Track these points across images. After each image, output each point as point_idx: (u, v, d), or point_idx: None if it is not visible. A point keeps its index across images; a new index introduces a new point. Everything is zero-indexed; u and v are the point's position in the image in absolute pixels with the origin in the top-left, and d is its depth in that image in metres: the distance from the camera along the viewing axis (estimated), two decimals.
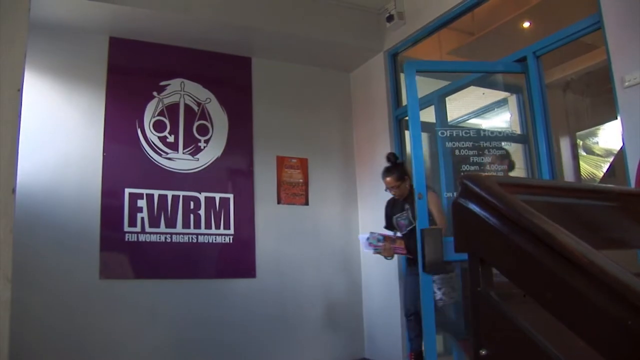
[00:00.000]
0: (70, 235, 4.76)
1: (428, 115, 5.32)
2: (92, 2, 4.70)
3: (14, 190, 1.28)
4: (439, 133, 4.84)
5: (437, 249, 3.97)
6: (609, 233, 1.89)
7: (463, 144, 4.69)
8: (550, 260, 1.29)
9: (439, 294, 4.34)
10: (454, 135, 4.70)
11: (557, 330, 1.33)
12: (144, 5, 4.87)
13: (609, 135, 6.05)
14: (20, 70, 1.28)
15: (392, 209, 4.87)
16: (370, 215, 5.86)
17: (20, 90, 1.27)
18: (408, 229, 4.63)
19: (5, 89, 1.25)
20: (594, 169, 6.40)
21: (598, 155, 6.47)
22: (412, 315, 4.63)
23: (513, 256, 1.39)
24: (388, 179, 4.63)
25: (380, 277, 5.73)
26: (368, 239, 4.63)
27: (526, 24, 5.58)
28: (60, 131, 4.91)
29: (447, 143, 4.77)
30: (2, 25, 1.26)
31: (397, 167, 4.67)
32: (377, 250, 4.65)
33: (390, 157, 4.73)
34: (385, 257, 4.75)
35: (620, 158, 3.52)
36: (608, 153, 6.22)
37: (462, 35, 6.00)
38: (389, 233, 4.82)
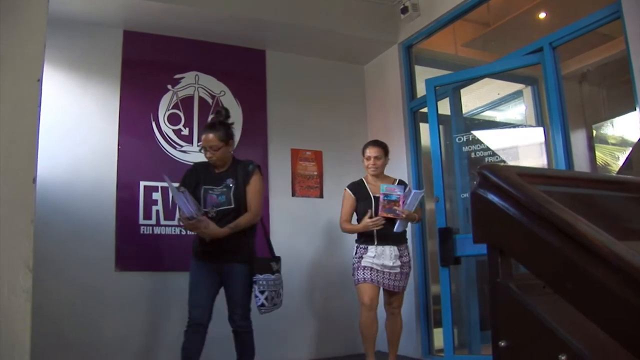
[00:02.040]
0: (86, 227, 4.78)
1: (443, 107, 5.31)
2: None
3: (34, 180, 1.29)
4: (456, 140, 5.07)
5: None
6: (628, 224, 1.87)
7: (479, 146, 4.83)
8: (570, 251, 1.28)
9: (261, 298, 3.81)
10: (471, 139, 4.87)
11: (576, 321, 1.32)
12: None
13: (627, 126, 5.99)
14: (40, 61, 1.28)
15: (201, 177, 3.96)
16: None
17: (40, 81, 1.28)
18: (219, 209, 3.85)
19: (25, 79, 1.25)
20: (611, 159, 6.35)
21: (615, 145, 6.41)
22: (198, 326, 3.79)
23: (533, 247, 1.38)
24: (210, 135, 3.85)
25: None
26: (183, 193, 3.68)
27: (542, 15, 5.53)
28: (76, 125, 4.94)
29: (463, 148, 4.88)
30: (22, 15, 1.27)
31: (224, 126, 3.94)
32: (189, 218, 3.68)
33: (221, 112, 4.01)
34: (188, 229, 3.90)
35: (638, 149, 3.49)
36: (625, 143, 6.16)
37: (477, 27, 5.95)
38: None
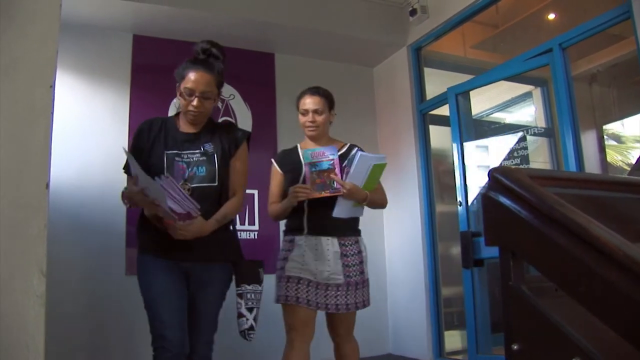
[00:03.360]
0: (96, 231, 4.80)
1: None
2: (117, 0, 4.74)
3: (47, 186, 1.30)
4: (475, 145, 5.15)
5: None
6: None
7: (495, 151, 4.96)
8: (583, 253, 1.27)
9: (249, 319, 2.83)
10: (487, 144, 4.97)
11: (589, 324, 1.31)
12: (167, 2, 4.89)
13: (638, 126, 5.96)
14: (52, 67, 1.30)
15: (159, 137, 2.82)
16: (394, 211, 5.83)
17: (52, 87, 1.29)
18: (196, 186, 2.73)
19: (38, 86, 1.26)
20: (622, 159, 6.32)
21: (626, 145, 6.38)
22: (179, 357, 2.71)
23: (545, 249, 1.38)
24: (206, 76, 2.77)
25: (404, 273, 5.71)
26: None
27: (551, 16, 5.51)
28: (86, 129, 4.96)
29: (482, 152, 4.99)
30: (34, 21, 1.28)
31: (220, 66, 2.90)
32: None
33: (215, 47, 2.95)
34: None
35: None
36: (637, 143, 6.13)
37: (486, 28, 5.94)
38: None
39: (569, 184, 1.67)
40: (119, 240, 4.89)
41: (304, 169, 3.10)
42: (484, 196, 1.53)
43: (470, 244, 4.68)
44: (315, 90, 3.42)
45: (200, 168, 2.76)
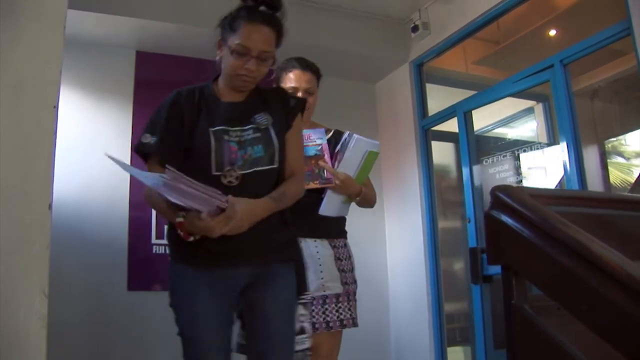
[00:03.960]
0: (99, 247, 4.80)
1: (452, 124, 5.34)
2: (120, 17, 4.78)
3: (50, 206, 1.30)
4: (484, 162, 5.23)
5: None
6: None
7: (502, 167, 4.96)
8: (585, 272, 1.27)
9: (310, 337, 2.34)
10: (495, 161, 4.95)
11: (592, 343, 1.31)
12: (170, 19, 4.93)
13: None
14: (56, 87, 1.30)
15: (200, 111, 2.19)
16: (397, 227, 5.84)
17: (56, 108, 1.30)
18: (251, 171, 2.08)
19: (42, 106, 1.27)
20: (625, 174, 6.31)
21: (628, 161, 6.38)
22: None
23: (547, 268, 1.38)
24: (266, 30, 2.18)
25: (407, 288, 5.69)
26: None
27: (552, 32, 5.54)
28: (89, 144, 4.96)
29: (490, 170, 5.00)
30: (38, 42, 1.29)
31: (281, 17, 2.29)
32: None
33: None
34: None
35: None
36: (639, 158, 6.14)
37: (487, 45, 5.96)
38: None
39: (571, 202, 1.67)
40: (121, 255, 4.89)
41: None
42: (487, 215, 1.54)
43: (478, 260, 4.70)
44: (305, 65, 2.86)
45: (256, 148, 2.08)
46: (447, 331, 5.37)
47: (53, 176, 1.35)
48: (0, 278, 1.20)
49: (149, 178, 1.85)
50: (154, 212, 5.03)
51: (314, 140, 2.63)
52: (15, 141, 1.23)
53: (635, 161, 6.12)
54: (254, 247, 2.06)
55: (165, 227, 2.45)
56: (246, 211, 1.93)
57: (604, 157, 5.95)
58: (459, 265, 5.73)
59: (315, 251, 2.58)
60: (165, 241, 4.98)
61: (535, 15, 5.35)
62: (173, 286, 2.14)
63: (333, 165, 2.61)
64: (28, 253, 1.22)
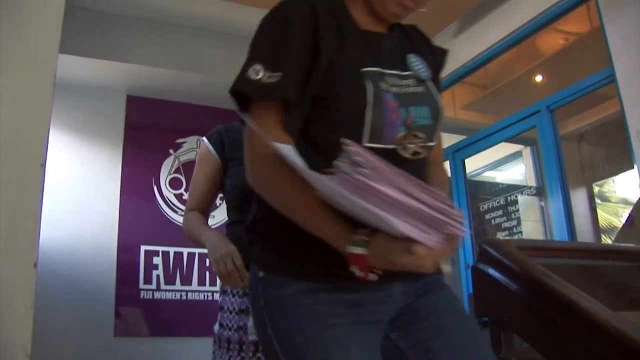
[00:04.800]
0: (86, 291, 4.75)
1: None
2: (111, 62, 4.83)
3: (35, 265, 1.29)
4: (480, 208, 5.32)
5: None
6: (631, 293, 1.86)
7: (497, 213, 5.00)
8: (573, 327, 1.27)
9: None
10: (491, 206, 4.98)
11: None
12: (160, 64, 4.97)
13: (628, 184, 6.02)
14: (44, 145, 1.30)
15: (341, 37, 1.25)
16: None
17: (43, 165, 1.29)
18: (420, 148, 1.21)
19: (30, 164, 1.27)
20: (614, 217, 6.34)
21: (617, 203, 6.42)
22: None
23: (534, 322, 1.37)
24: None
25: None
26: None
27: (539, 78, 5.62)
28: (78, 187, 4.96)
29: (486, 215, 5.05)
30: (28, 99, 1.29)
31: None
32: None
33: None
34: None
35: (639, 207, 3.51)
36: (627, 201, 6.17)
37: (475, 89, 6.04)
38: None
39: (559, 254, 1.68)
40: (109, 300, 4.83)
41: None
42: (474, 268, 1.53)
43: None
44: None
45: (420, 110, 1.27)
46: None
47: (39, 234, 1.34)
48: None
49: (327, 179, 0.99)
50: (142, 257, 5.00)
51: None
52: (1, 200, 1.22)
53: (622, 204, 6.16)
54: None
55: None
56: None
57: (592, 199, 5.98)
58: None
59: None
60: (153, 286, 5.00)
61: (522, 61, 5.44)
62: (288, 322, 1.21)
63: None
64: (12, 314, 1.20)
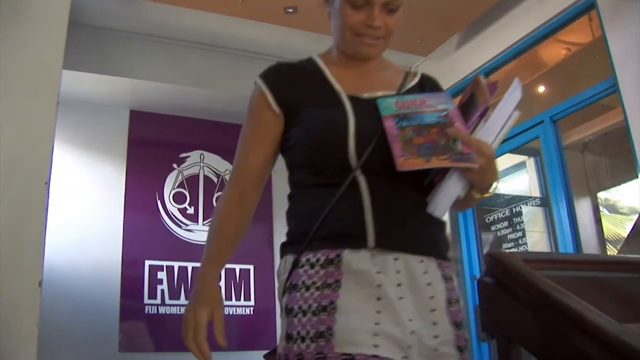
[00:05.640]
0: (90, 307, 4.73)
1: None
2: (114, 78, 4.86)
3: (40, 283, 1.29)
4: (486, 219, 5.29)
5: None
6: (638, 305, 1.85)
7: (502, 224, 4.97)
8: (581, 340, 1.26)
9: None
10: (497, 218, 4.94)
11: None
12: (164, 79, 4.99)
13: (633, 193, 6.01)
14: (47, 164, 1.31)
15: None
16: None
17: (47, 184, 1.30)
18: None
19: (34, 183, 1.27)
20: (619, 228, 6.32)
21: (622, 213, 6.39)
22: None
23: (542, 336, 1.36)
24: None
25: None
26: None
27: (541, 89, 5.62)
28: (82, 203, 4.96)
29: (491, 227, 5.03)
30: (31, 121, 1.30)
31: None
32: None
33: None
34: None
35: None
36: (632, 211, 6.15)
37: None
38: None
39: (565, 266, 1.67)
40: (113, 315, 4.82)
41: (387, 122, 1.41)
42: (480, 281, 1.52)
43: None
44: None
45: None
46: None
47: (44, 252, 1.34)
48: None
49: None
50: (146, 272, 5.00)
51: (434, 105, 1.53)
52: (7, 218, 1.22)
53: (627, 213, 6.13)
54: None
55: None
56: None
57: (597, 210, 5.96)
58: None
59: (424, 282, 1.35)
60: (157, 301, 5.00)
61: (524, 72, 5.44)
62: None
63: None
64: (17, 332, 1.20)
